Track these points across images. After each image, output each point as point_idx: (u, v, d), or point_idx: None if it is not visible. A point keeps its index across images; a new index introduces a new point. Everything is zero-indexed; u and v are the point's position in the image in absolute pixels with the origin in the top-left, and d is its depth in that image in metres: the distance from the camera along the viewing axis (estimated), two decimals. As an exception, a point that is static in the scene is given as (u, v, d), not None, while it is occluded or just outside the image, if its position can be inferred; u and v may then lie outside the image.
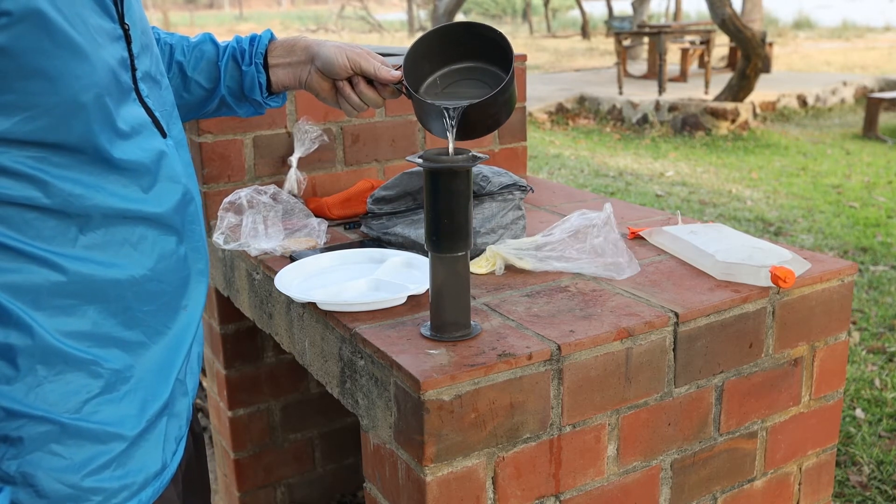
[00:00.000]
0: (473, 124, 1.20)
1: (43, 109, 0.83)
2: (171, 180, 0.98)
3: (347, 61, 1.27)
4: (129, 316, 0.94)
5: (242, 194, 1.73)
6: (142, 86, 0.97)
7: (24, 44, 0.80)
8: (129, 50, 0.94)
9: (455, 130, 1.17)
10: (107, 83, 0.88)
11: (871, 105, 8.62)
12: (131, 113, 0.94)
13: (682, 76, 11.48)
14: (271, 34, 1.33)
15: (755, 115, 9.28)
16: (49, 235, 0.87)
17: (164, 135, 1.00)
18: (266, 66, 1.31)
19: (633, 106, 9.35)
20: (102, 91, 0.88)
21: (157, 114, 0.99)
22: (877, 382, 3.08)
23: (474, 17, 32.09)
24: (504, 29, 29.26)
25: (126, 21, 0.94)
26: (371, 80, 1.28)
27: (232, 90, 1.33)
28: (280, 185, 1.86)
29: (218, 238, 1.69)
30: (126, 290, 0.93)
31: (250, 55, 1.30)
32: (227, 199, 1.73)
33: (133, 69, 0.95)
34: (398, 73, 1.25)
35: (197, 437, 1.21)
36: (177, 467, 1.04)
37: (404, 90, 1.24)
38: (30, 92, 0.82)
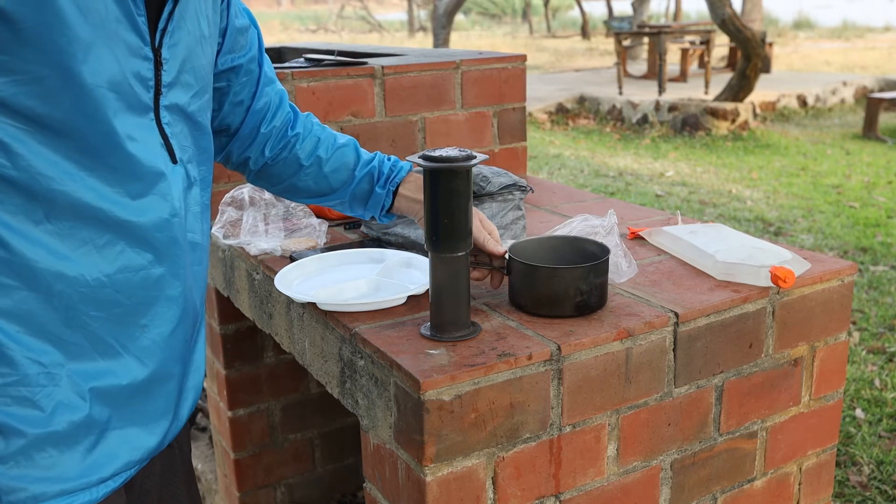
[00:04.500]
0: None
1: (33, 77, 0.84)
2: (163, 198, 0.98)
3: None
4: (71, 315, 0.92)
5: (245, 190, 1.74)
6: (164, 113, 0.98)
7: (24, 10, 0.82)
8: (157, 74, 0.96)
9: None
10: (110, 80, 0.89)
11: (871, 105, 8.62)
12: (140, 125, 0.95)
13: (682, 76, 11.48)
14: (411, 166, 1.40)
15: (755, 115, 9.28)
16: (12, 210, 0.87)
17: (174, 160, 1.00)
18: (395, 191, 1.38)
19: (633, 106, 9.35)
20: (102, 84, 0.88)
21: (173, 142, 1.00)
22: (877, 382, 3.08)
23: (474, 17, 32.04)
24: (504, 29, 29.21)
25: (164, 51, 0.96)
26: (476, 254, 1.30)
27: (356, 197, 1.40)
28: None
29: (217, 232, 1.69)
30: (72, 287, 0.92)
31: (387, 179, 1.38)
32: (228, 194, 1.74)
33: (157, 93, 0.96)
34: (503, 248, 1.29)
35: (170, 453, 1.17)
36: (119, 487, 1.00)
37: (506, 261, 1.29)
38: (22, 58, 0.83)
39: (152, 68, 0.95)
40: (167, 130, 0.99)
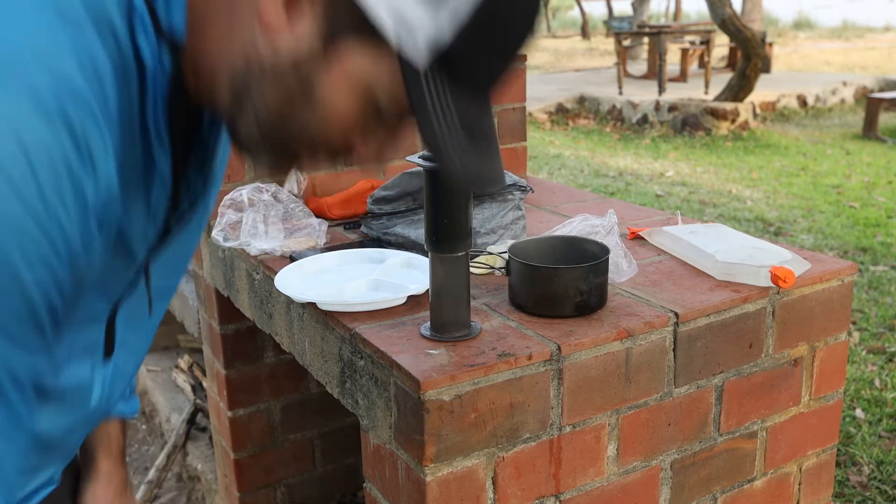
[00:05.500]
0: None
1: None
2: (73, 408, 0.87)
3: None
4: None
5: (244, 192, 1.73)
6: (121, 310, 0.86)
7: None
8: (147, 287, 0.87)
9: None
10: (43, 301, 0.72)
11: (871, 105, 8.62)
12: (75, 340, 0.81)
13: (682, 76, 11.48)
14: (122, 414, 1.12)
15: (755, 115, 9.28)
16: None
17: (108, 354, 0.88)
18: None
19: (633, 106, 9.35)
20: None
21: (119, 332, 0.87)
22: (877, 382, 3.08)
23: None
24: (504, 29, 29.13)
25: (152, 272, 0.87)
26: None
27: None
28: (280, 185, 1.86)
29: (217, 235, 1.69)
30: None
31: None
32: (227, 196, 1.74)
33: (120, 302, 0.85)
34: None
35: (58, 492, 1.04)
36: None
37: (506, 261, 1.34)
38: None
39: (127, 287, 0.84)
40: (117, 322, 0.86)
